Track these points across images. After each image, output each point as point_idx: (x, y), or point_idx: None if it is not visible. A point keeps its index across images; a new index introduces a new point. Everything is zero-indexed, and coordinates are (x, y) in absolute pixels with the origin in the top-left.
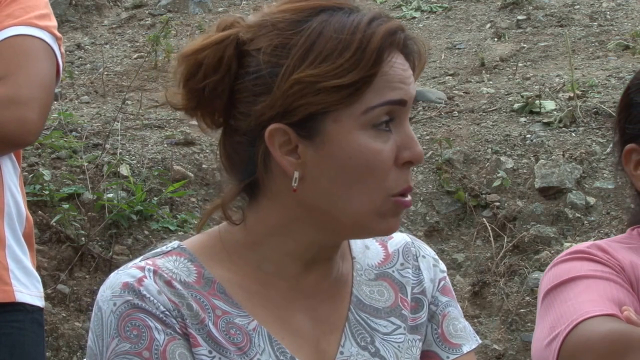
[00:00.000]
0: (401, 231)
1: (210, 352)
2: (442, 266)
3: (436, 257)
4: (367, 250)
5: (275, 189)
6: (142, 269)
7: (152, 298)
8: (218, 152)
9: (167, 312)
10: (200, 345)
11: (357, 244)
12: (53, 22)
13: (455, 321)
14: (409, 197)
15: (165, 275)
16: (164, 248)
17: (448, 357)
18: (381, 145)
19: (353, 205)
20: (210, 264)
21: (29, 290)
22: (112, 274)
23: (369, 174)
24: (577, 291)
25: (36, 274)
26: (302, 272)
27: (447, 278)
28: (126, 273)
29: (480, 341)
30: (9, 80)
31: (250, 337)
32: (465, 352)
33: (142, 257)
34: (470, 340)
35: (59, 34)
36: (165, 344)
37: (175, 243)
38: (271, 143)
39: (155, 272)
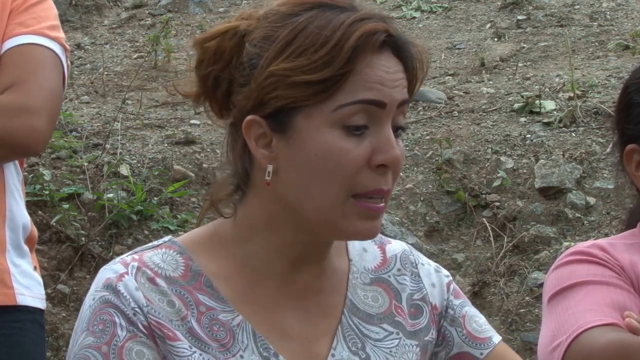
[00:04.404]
0: (397, 232)
1: (190, 347)
2: (445, 271)
3: (437, 265)
4: (364, 253)
5: (258, 183)
6: (126, 265)
7: (126, 295)
8: (223, 147)
9: (137, 309)
10: (179, 339)
11: (354, 246)
12: (62, 34)
13: (476, 318)
14: (381, 203)
15: (149, 272)
16: (155, 242)
17: (482, 354)
18: (351, 145)
19: (316, 202)
20: (200, 258)
21: (30, 292)
22: (101, 269)
23: (333, 172)
24: (578, 299)
25: (37, 276)
26: (291, 271)
27: (454, 282)
28: (111, 268)
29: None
30: (20, 88)
31: (234, 334)
32: (496, 342)
33: (132, 251)
34: (495, 334)
35: (67, 46)
36: (125, 341)
37: (167, 237)
38: (248, 135)
39: (138, 269)
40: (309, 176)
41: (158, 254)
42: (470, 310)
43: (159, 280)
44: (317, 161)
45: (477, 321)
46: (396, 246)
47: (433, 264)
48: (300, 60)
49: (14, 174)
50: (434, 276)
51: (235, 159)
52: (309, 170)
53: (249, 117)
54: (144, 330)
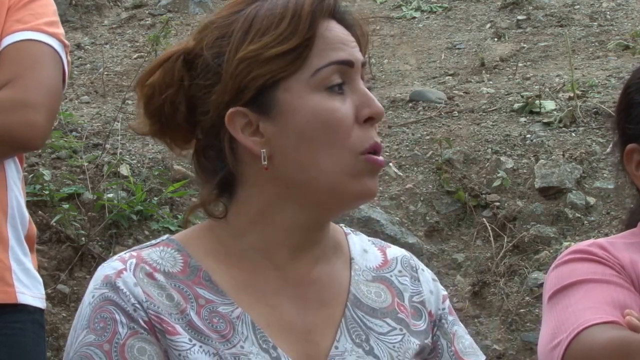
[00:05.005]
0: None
1: (190, 340)
2: (441, 285)
3: (434, 275)
4: (365, 254)
5: (249, 175)
6: (125, 261)
7: (125, 291)
8: (192, 166)
9: (137, 305)
10: (179, 333)
11: (355, 247)
12: (61, 30)
13: (462, 339)
14: (381, 157)
15: (148, 268)
16: (153, 241)
17: None
18: (338, 103)
19: (324, 169)
20: (197, 254)
21: (30, 291)
22: (99, 267)
23: (330, 134)
24: (578, 297)
25: (38, 275)
26: (290, 260)
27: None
28: (109, 266)
29: (484, 357)
30: (18, 83)
31: (234, 325)
32: None
33: (130, 249)
34: (479, 355)
35: (66, 42)
36: (126, 338)
37: (165, 236)
38: (233, 128)
39: (137, 265)
40: (308, 145)
41: (156, 252)
42: (459, 329)
43: (157, 275)
44: (312, 127)
45: (464, 342)
46: (396, 250)
47: (431, 272)
48: (265, 38)
49: (14, 172)
50: (431, 284)
51: (215, 164)
52: (306, 140)
53: (230, 110)
54: (145, 326)
